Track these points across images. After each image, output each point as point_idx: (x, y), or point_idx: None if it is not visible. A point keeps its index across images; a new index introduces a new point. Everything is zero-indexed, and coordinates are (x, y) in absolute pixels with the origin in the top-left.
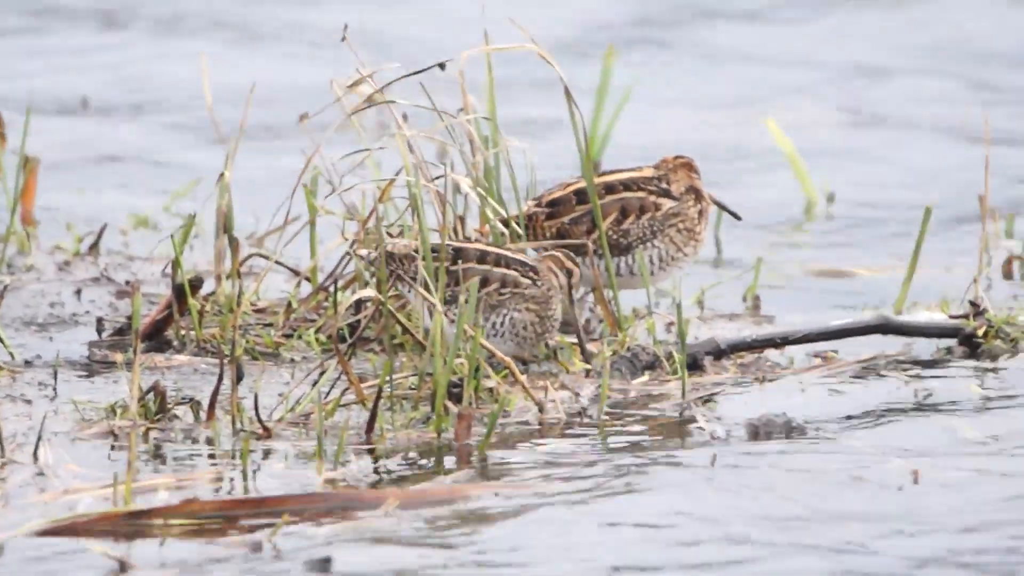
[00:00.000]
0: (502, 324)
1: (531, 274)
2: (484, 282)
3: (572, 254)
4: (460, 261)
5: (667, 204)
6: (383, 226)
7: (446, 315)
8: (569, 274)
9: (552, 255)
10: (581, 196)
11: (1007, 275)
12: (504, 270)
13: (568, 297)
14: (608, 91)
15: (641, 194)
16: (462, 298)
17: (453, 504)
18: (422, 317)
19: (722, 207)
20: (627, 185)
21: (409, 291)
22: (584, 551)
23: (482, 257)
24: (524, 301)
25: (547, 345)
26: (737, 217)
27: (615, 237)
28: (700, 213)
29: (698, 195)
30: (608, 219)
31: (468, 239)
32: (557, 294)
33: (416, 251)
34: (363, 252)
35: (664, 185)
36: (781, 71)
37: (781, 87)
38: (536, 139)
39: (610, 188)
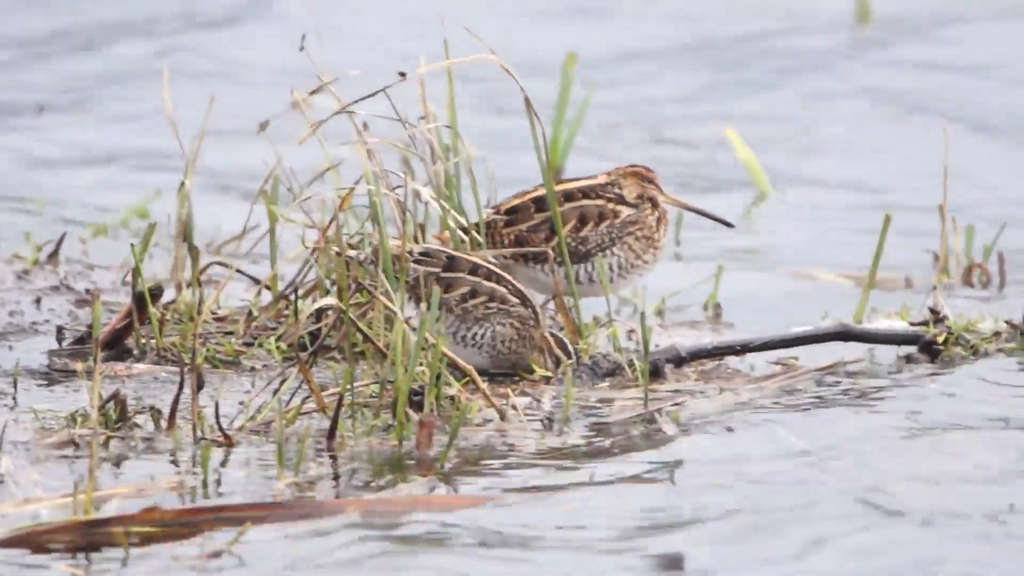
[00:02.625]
0: (483, 336)
1: (519, 295)
2: (473, 293)
3: (566, 344)
4: (451, 270)
5: (625, 212)
6: (343, 234)
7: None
8: (557, 362)
9: (556, 336)
10: (539, 204)
11: (967, 282)
12: (494, 285)
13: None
14: (569, 99)
15: (600, 202)
16: (423, 306)
17: (414, 513)
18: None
19: (707, 215)
20: (585, 193)
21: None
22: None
23: (474, 269)
24: (508, 317)
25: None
26: (729, 224)
27: (574, 245)
28: (658, 221)
29: (654, 202)
30: (567, 226)
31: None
32: (538, 329)
33: (410, 252)
34: (355, 253)
35: (618, 191)
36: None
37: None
38: (499, 148)
39: (569, 196)
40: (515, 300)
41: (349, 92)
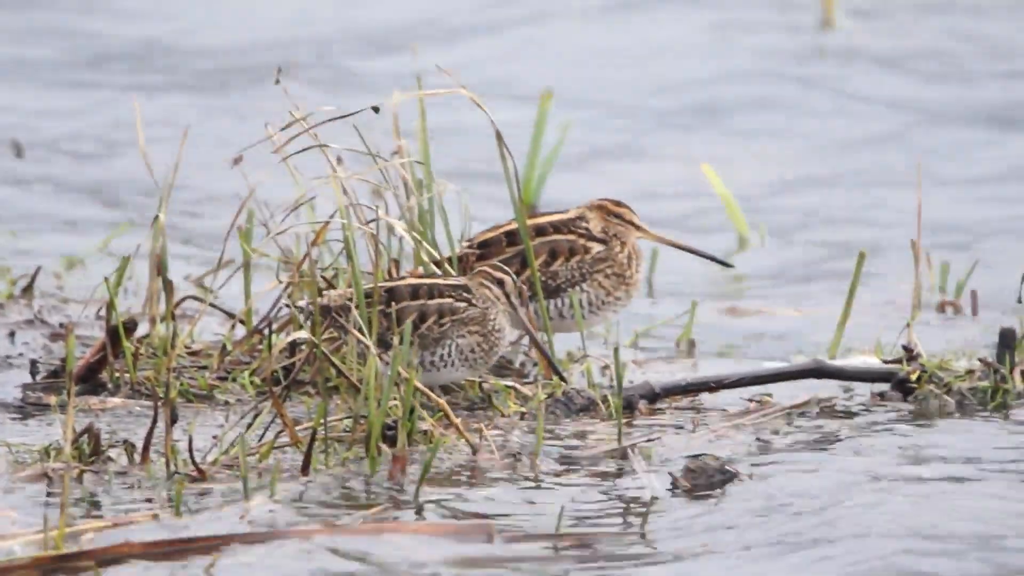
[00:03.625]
0: (449, 354)
1: (465, 295)
2: (423, 317)
3: (500, 264)
4: (393, 302)
5: (596, 248)
6: (317, 269)
7: (383, 358)
8: (501, 283)
9: (481, 270)
10: (511, 237)
11: (940, 318)
12: (439, 300)
13: (509, 305)
14: (544, 134)
15: (571, 237)
16: (396, 339)
17: (378, 538)
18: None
19: (701, 254)
20: (557, 227)
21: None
22: None
23: (415, 292)
24: (464, 326)
25: (482, 388)
26: (727, 265)
27: (544, 279)
28: (629, 258)
29: (622, 240)
30: (537, 261)
31: (392, 276)
32: (495, 306)
33: (350, 299)
34: (300, 304)
35: (587, 226)
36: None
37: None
38: (474, 182)
39: (540, 231)
40: (462, 304)
41: (324, 128)
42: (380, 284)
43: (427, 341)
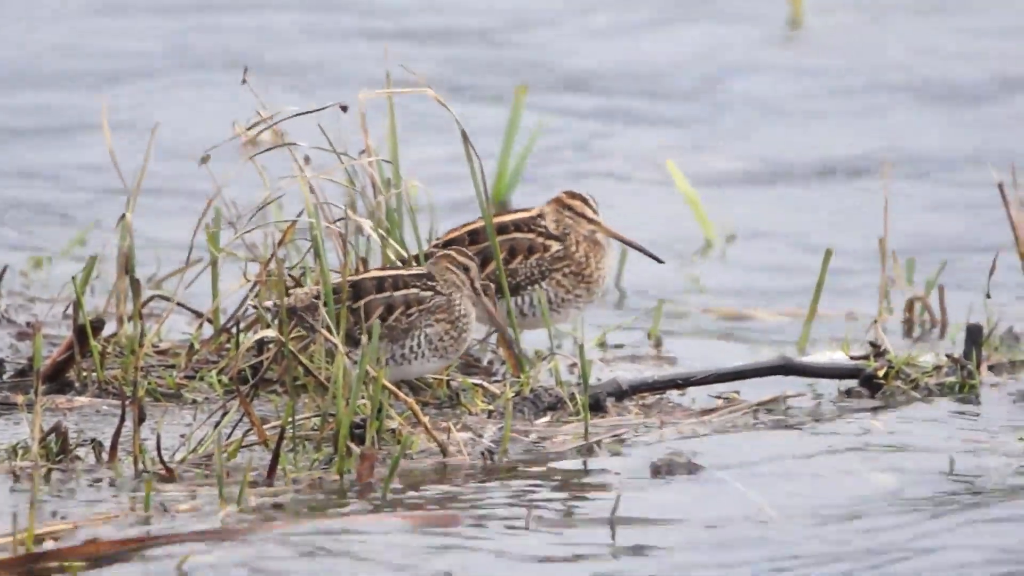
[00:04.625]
0: (419, 345)
1: (429, 283)
2: (389, 309)
3: (465, 250)
4: (359, 297)
5: (555, 247)
6: (285, 268)
7: (351, 355)
8: (466, 268)
9: (445, 254)
10: (474, 236)
11: (907, 317)
12: (404, 291)
13: (473, 291)
14: (517, 131)
15: (531, 235)
16: (364, 338)
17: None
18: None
19: (641, 249)
20: (518, 226)
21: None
22: None
23: (380, 285)
24: (431, 315)
25: (449, 386)
26: (659, 260)
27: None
28: (588, 256)
29: (575, 236)
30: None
31: (359, 270)
32: (459, 292)
33: (317, 297)
34: (267, 304)
35: (545, 223)
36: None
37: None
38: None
39: (502, 228)
40: (428, 294)
41: (292, 126)
42: (347, 279)
43: (396, 333)
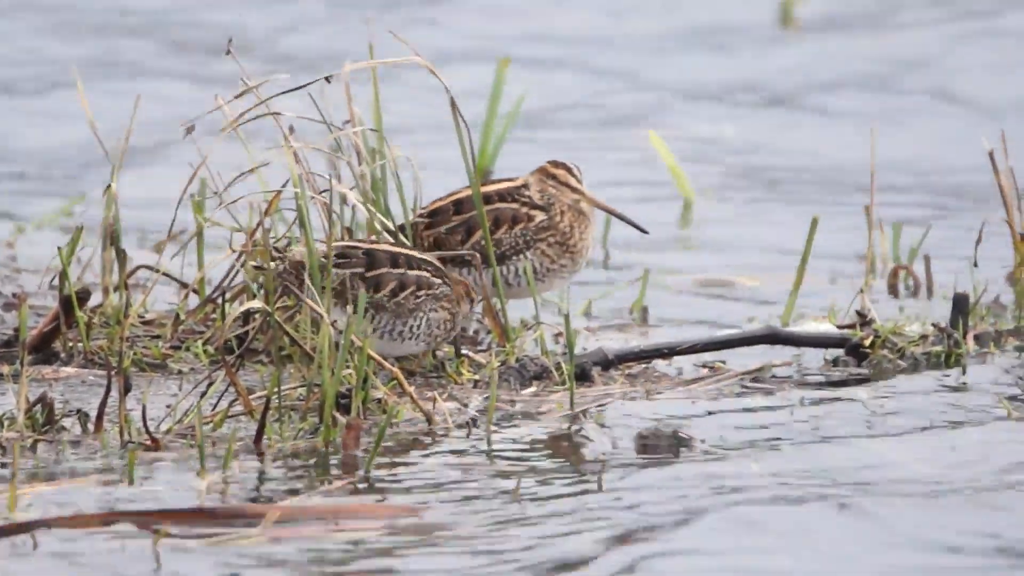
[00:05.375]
0: (419, 326)
1: (438, 273)
2: (402, 286)
3: (474, 288)
4: (372, 267)
5: (539, 217)
6: (270, 238)
7: (372, 325)
8: (471, 303)
9: (463, 283)
10: (459, 206)
11: (892, 285)
12: (417, 272)
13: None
14: (500, 101)
15: (515, 205)
16: (349, 309)
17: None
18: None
19: (624, 219)
20: (502, 196)
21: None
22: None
23: (394, 260)
24: (437, 301)
25: (435, 355)
26: (643, 231)
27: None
28: (572, 226)
29: (560, 206)
30: (481, 230)
31: (373, 240)
32: (461, 307)
33: (325, 257)
34: (257, 263)
35: (529, 193)
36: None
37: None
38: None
39: (486, 199)
40: (438, 281)
41: (279, 99)
42: (357, 244)
43: (402, 311)
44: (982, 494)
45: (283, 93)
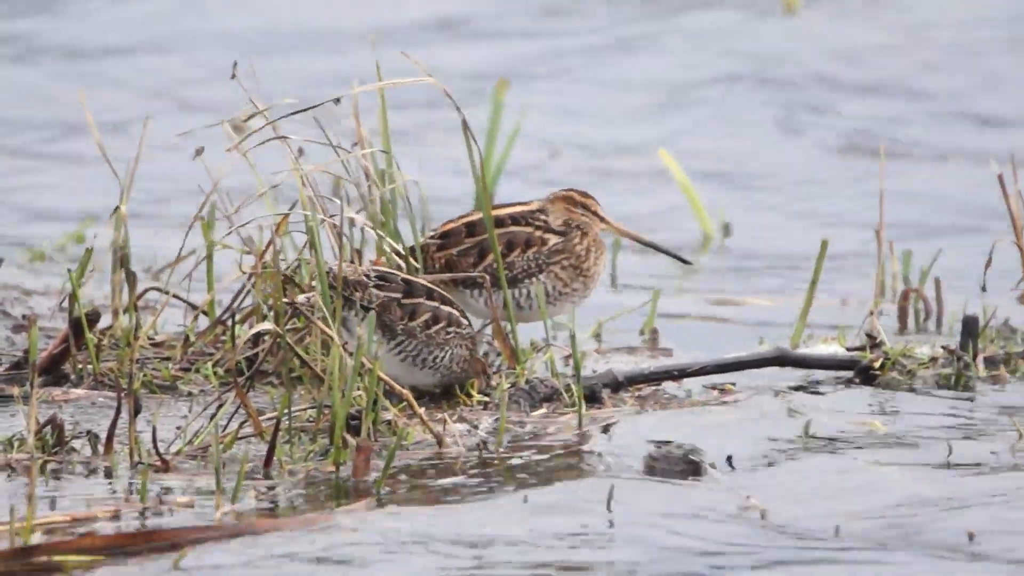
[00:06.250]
0: (441, 359)
1: (465, 315)
2: (435, 319)
3: (489, 367)
4: (411, 296)
5: (553, 240)
6: (279, 260)
7: (397, 348)
8: (487, 381)
9: (481, 361)
10: (471, 228)
11: (902, 308)
12: (449, 309)
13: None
14: (500, 123)
15: (528, 229)
16: (361, 328)
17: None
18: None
19: (663, 251)
20: (515, 219)
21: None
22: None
23: (430, 293)
24: (463, 340)
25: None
26: (686, 262)
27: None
28: (587, 250)
29: (584, 231)
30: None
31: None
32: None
33: (368, 276)
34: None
35: (545, 218)
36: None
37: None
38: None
39: (499, 222)
40: (465, 322)
41: (286, 121)
42: (396, 273)
43: (432, 343)
44: None
45: (292, 114)
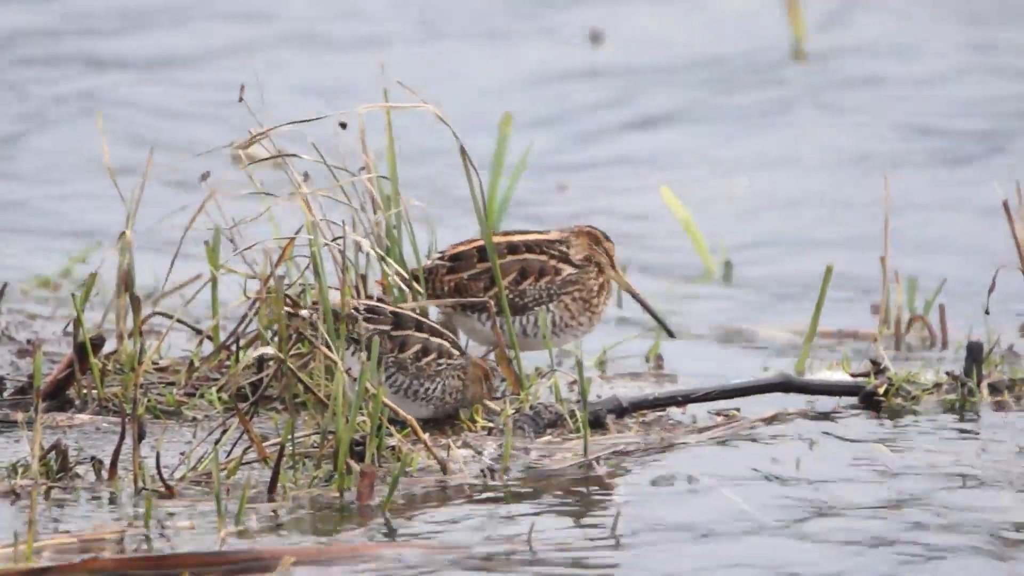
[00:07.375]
0: (433, 391)
1: (455, 345)
2: (425, 351)
3: (492, 374)
4: (399, 327)
5: (567, 271)
6: (284, 285)
7: (388, 381)
8: (489, 388)
9: (483, 367)
10: (483, 253)
11: (897, 337)
12: (439, 340)
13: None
14: (505, 157)
15: (543, 257)
16: (362, 362)
17: (351, 563)
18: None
19: (655, 316)
20: (530, 247)
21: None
22: None
23: (419, 325)
24: (455, 371)
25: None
26: (671, 335)
27: (511, 297)
28: (600, 287)
29: (600, 268)
30: (507, 279)
31: (384, 300)
32: (475, 385)
33: (357, 309)
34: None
35: (564, 249)
36: None
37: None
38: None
39: (513, 248)
40: (456, 352)
41: (290, 144)
42: (385, 305)
43: (422, 375)
44: None
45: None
